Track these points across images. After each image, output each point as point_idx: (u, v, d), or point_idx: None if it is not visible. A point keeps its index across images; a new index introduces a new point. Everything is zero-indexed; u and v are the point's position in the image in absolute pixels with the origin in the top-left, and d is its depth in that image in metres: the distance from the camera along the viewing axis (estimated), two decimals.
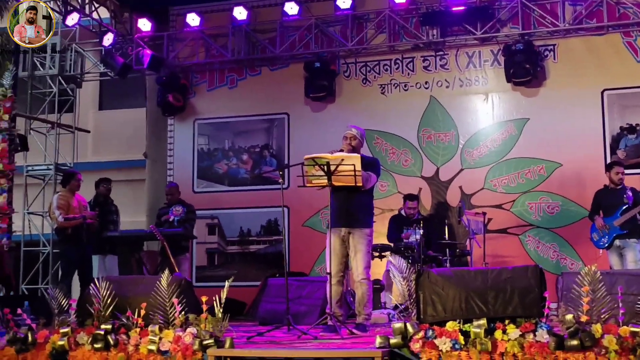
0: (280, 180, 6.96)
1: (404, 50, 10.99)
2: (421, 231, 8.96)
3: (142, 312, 5.72)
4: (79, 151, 12.45)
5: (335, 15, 11.01)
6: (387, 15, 10.78)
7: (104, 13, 11.70)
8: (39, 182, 11.97)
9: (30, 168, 11.89)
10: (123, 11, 11.92)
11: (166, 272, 5.86)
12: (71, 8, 10.86)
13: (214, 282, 10.61)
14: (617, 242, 8.48)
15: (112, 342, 5.67)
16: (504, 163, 10.36)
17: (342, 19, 11.03)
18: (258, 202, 11.12)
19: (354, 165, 6.59)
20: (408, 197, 9.69)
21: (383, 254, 9.09)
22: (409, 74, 10.92)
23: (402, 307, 6.32)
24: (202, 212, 10.74)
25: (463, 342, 5.01)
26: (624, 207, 8.46)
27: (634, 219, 8.42)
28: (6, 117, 10.09)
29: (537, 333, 4.91)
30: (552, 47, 10.42)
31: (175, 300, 5.65)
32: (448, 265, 9.10)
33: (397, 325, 5.23)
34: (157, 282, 5.75)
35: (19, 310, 6.18)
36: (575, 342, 4.77)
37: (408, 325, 5.19)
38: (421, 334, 5.12)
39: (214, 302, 5.56)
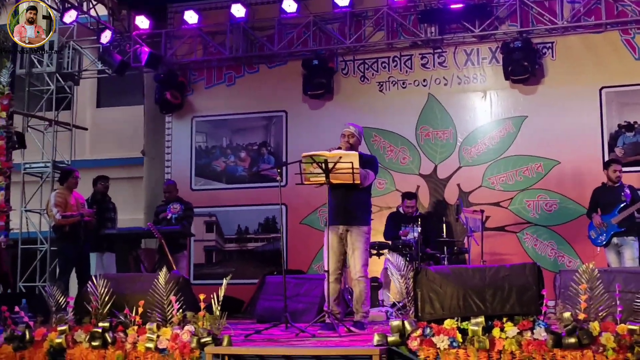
0: (278, 178, 6.94)
1: (402, 47, 10.99)
2: (419, 229, 8.95)
3: (140, 309, 5.72)
4: (77, 149, 12.47)
5: (334, 12, 11.00)
6: (385, 12, 10.77)
7: (101, 10, 11.68)
8: (37, 180, 11.98)
9: (27, 166, 11.90)
10: (121, 8, 11.90)
11: (164, 269, 5.86)
12: (69, 5, 10.85)
13: (212, 279, 10.62)
14: (614, 239, 8.49)
15: (109, 339, 5.66)
16: (502, 161, 10.35)
17: (340, 17, 11.02)
18: (256, 200, 11.11)
19: (352, 162, 6.59)
20: (406, 196, 9.69)
21: (381, 251, 9.09)
22: (407, 71, 10.92)
23: (400, 304, 6.34)
24: (200, 210, 10.73)
25: (461, 340, 5.01)
26: (622, 205, 8.47)
27: (632, 216, 8.43)
28: (3, 114, 10.08)
29: (534, 331, 4.91)
30: (550, 44, 10.42)
31: (173, 298, 5.64)
32: (446, 263, 9.11)
33: (395, 323, 5.23)
34: (155, 280, 5.74)
35: (17, 308, 6.19)
36: (573, 340, 4.77)
37: (406, 323, 5.19)
38: (419, 331, 5.12)
39: (212, 300, 5.56)
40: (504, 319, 5.04)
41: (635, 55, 10.02)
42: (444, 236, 9.67)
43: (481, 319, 5.06)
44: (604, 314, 4.90)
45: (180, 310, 5.63)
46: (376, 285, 8.89)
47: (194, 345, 5.41)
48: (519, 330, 4.94)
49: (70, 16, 10.74)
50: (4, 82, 10.16)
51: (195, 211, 10.15)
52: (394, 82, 10.95)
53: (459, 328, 5.06)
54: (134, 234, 9.45)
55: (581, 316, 4.87)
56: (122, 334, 5.68)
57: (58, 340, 5.79)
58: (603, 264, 8.42)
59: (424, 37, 10.75)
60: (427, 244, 9.25)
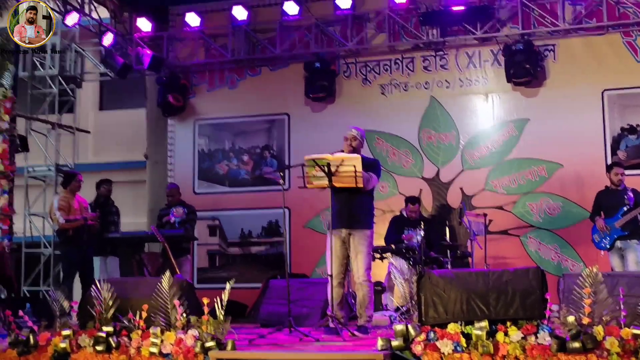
0: (281, 181, 6.96)
1: (404, 50, 10.98)
2: (422, 232, 8.94)
3: (144, 314, 5.72)
4: (80, 152, 12.48)
5: (335, 15, 10.99)
6: (387, 15, 10.78)
7: (103, 13, 11.68)
8: (40, 184, 11.98)
9: (31, 169, 11.89)
10: (123, 11, 11.91)
11: (167, 273, 5.86)
12: (71, 8, 10.83)
13: (215, 283, 10.60)
14: (618, 243, 8.48)
15: (113, 344, 5.67)
16: (505, 164, 10.35)
17: (342, 19, 11.02)
18: (259, 203, 11.11)
19: (354, 166, 6.59)
20: (410, 200, 9.67)
21: (384, 255, 9.09)
22: (409, 74, 10.92)
23: (404, 309, 6.32)
24: (202, 214, 10.73)
25: (465, 345, 5.01)
26: (625, 208, 8.46)
27: (635, 220, 8.42)
28: (6, 117, 10.09)
29: (538, 335, 4.91)
30: (552, 47, 10.41)
31: (176, 302, 5.65)
32: (449, 266, 9.09)
33: (399, 327, 5.23)
34: (159, 284, 5.75)
35: (21, 313, 6.18)
36: (577, 345, 4.77)
37: (410, 327, 5.19)
38: (423, 336, 5.12)
39: (216, 304, 5.56)
40: (508, 323, 5.04)
41: (637, 58, 10.01)
42: (447, 240, 9.67)
43: (485, 323, 5.06)
44: (608, 318, 4.90)
45: (184, 315, 5.63)
46: (380, 289, 8.89)
47: (197, 349, 5.41)
48: (522, 335, 4.94)
49: (72, 19, 10.73)
50: (6, 85, 10.19)
51: (198, 215, 10.14)
52: (396, 85, 10.95)
53: (462, 332, 5.06)
54: (137, 238, 9.47)
55: (585, 320, 4.87)
56: (126, 339, 5.69)
57: (62, 345, 5.80)
58: (607, 267, 8.41)
59: (426, 39, 10.75)
60: (431, 247, 9.24)
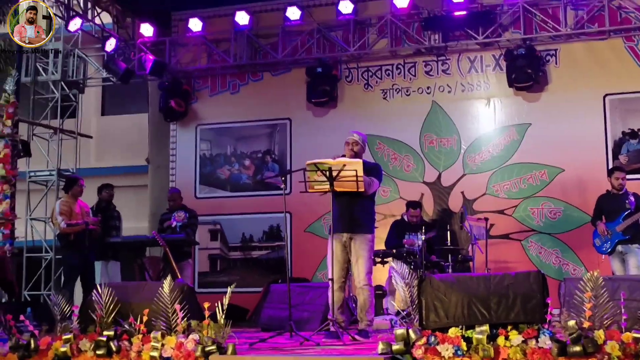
0: (282, 186, 6.96)
1: (406, 55, 11.00)
2: (423, 237, 8.94)
3: (145, 318, 5.71)
4: (82, 157, 12.49)
5: (337, 20, 11.02)
6: (388, 20, 10.79)
7: (106, 18, 11.72)
8: (42, 188, 12.00)
9: (32, 174, 11.91)
10: (125, 16, 11.95)
11: (168, 278, 5.86)
12: (74, 13, 10.89)
13: (216, 288, 10.60)
14: (619, 247, 8.48)
15: (114, 348, 5.66)
16: (506, 168, 10.35)
17: (344, 24, 11.04)
18: (260, 208, 11.11)
19: (356, 170, 6.59)
20: (411, 205, 9.68)
21: (385, 259, 9.08)
22: (410, 79, 10.93)
23: (405, 313, 6.32)
24: (204, 218, 10.75)
25: (465, 349, 4.99)
26: (627, 213, 8.46)
27: (636, 224, 8.40)
28: (9, 122, 10.10)
29: (539, 339, 4.90)
30: (553, 51, 10.42)
31: (177, 306, 5.64)
32: (450, 271, 9.08)
33: (400, 331, 5.22)
34: (160, 288, 5.74)
35: (22, 317, 6.18)
36: (577, 348, 4.76)
37: (410, 331, 5.18)
38: (423, 340, 5.11)
39: (217, 308, 5.56)
40: (509, 327, 5.03)
41: (639, 62, 10.01)
42: (449, 244, 9.66)
43: (486, 327, 5.05)
44: (609, 322, 4.88)
45: (185, 319, 5.62)
46: (381, 293, 8.89)
47: (198, 353, 5.40)
48: (523, 339, 4.92)
49: (75, 24, 10.78)
50: (9, 90, 10.19)
51: (200, 219, 10.15)
52: (397, 90, 10.95)
53: (463, 336, 5.05)
54: (138, 242, 9.47)
55: (586, 324, 4.86)
56: (126, 343, 5.68)
57: (63, 349, 5.79)
58: (608, 271, 8.40)
59: (428, 44, 10.76)
60: (432, 252, 9.24)
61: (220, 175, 11.57)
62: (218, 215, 11.37)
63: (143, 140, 12.87)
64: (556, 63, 10.39)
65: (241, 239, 11.28)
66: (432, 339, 5.09)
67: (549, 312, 5.05)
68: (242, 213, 11.29)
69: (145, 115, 12.88)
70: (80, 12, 11.06)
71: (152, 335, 5.61)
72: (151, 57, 11.36)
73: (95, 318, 5.89)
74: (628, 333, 4.77)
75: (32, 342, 5.95)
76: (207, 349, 5.40)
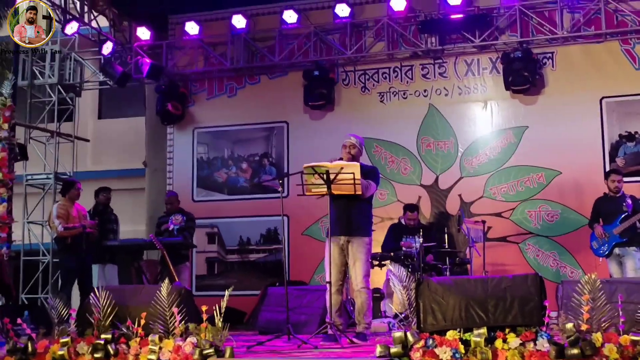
0: (280, 189, 6.96)
1: (403, 58, 11.01)
2: (421, 240, 8.95)
3: (142, 321, 5.70)
4: (79, 160, 12.45)
5: (334, 23, 11.03)
6: (385, 23, 10.81)
7: (103, 22, 11.73)
8: (39, 191, 11.97)
9: (29, 177, 11.89)
10: (122, 20, 11.96)
11: (166, 281, 5.84)
12: (70, 17, 10.89)
13: (214, 291, 10.61)
14: (616, 250, 8.49)
15: (112, 351, 5.65)
16: (503, 171, 10.36)
17: (341, 27, 11.06)
18: (257, 211, 11.12)
19: (353, 173, 6.60)
20: (408, 208, 9.67)
21: (383, 262, 9.08)
22: (407, 82, 10.94)
23: (402, 316, 6.31)
24: (201, 221, 10.74)
25: (463, 351, 4.99)
26: (624, 215, 8.47)
27: (634, 227, 8.42)
28: (5, 126, 10.07)
29: (537, 342, 4.89)
30: (550, 54, 10.44)
31: (175, 309, 5.63)
32: (448, 273, 9.09)
33: (397, 334, 5.21)
34: (157, 292, 5.72)
35: (19, 320, 6.16)
36: (575, 351, 4.76)
37: (408, 334, 5.18)
38: (421, 343, 5.10)
39: (214, 311, 5.55)
40: (507, 330, 5.02)
41: (636, 65, 10.05)
42: (446, 247, 9.66)
43: (483, 330, 5.04)
44: (607, 325, 4.88)
45: (183, 322, 5.61)
46: (378, 296, 8.88)
47: (196, 357, 5.39)
48: (521, 341, 4.92)
49: (71, 28, 10.78)
50: (5, 94, 10.17)
51: (197, 222, 10.15)
52: (394, 93, 10.97)
53: (461, 339, 5.04)
54: (135, 246, 9.46)
55: (584, 327, 4.86)
56: (124, 346, 5.67)
57: (60, 352, 5.77)
58: (605, 274, 8.41)
59: (425, 47, 10.78)
60: (428, 251, 9.23)
61: (217, 179, 11.57)
62: (215, 218, 11.37)
63: (140, 143, 12.87)
64: (553, 66, 10.41)
65: (239, 242, 11.28)
66: (430, 341, 5.08)
67: (546, 315, 5.05)
68: (239, 216, 11.29)
69: (142, 118, 12.88)
70: (77, 16, 11.06)
71: (149, 338, 5.59)
72: (148, 60, 11.36)
73: (92, 321, 5.87)
74: (626, 335, 4.77)
75: (29, 345, 5.93)
76: (205, 352, 5.40)
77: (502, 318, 5.16)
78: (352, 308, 7.63)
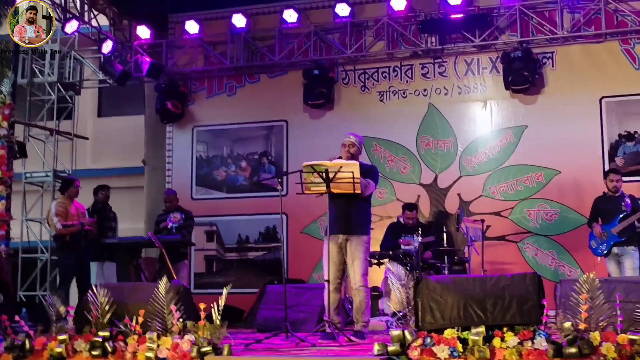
0: (279, 187, 6.95)
1: (403, 57, 11.01)
2: (419, 238, 8.95)
3: (140, 319, 5.70)
4: (78, 158, 12.46)
5: (334, 22, 11.03)
6: (385, 22, 10.80)
7: (103, 20, 11.72)
8: (38, 189, 11.98)
9: (28, 175, 11.90)
10: (122, 18, 11.95)
11: (164, 278, 5.85)
12: (70, 15, 10.88)
13: (212, 288, 10.59)
14: (615, 249, 8.49)
15: (109, 349, 5.65)
16: (503, 170, 10.36)
17: (341, 27, 11.05)
18: (256, 209, 11.12)
19: (352, 172, 6.59)
20: (407, 207, 9.68)
21: (381, 261, 9.09)
22: (407, 81, 10.94)
23: (401, 314, 6.31)
24: (200, 219, 10.73)
25: (461, 350, 4.99)
26: (622, 215, 8.47)
27: (632, 226, 8.42)
28: (5, 124, 10.06)
29: (535, 340, 4.90)
30: (550, 54, 10.44)
31: (173, 307, 5.63)
32: (446, 272, 9.09)
33: (395, 332, 5.21)
34: (155, 289, 5.72)
35: (17, 317, 6.16)
36: (573, 350, 4.76)
37: (406, 332, 5.18)
38: (419, 341, 5.10)
39: (212, 309, 5.55)
40: (505, 329, 5.03)
41: (635, 65, 10.04)
42: (445, 246, 9.66)
43: (482, 329, 5.04)
44: (605, 324, 4.88)
45: (181, 320, 5.61)
46: (377, 294, 8.88)
47: (194, 354, 5.39)
48: (519, 340, 4.92)
49: (71, 26, 10.77)
50: (5, 92, 10.17)
51: (196, 220, 10.16)
52: (394, 92, 10.97)
53: (459, 338, 5.05)
54: (134, 244, 9.45)
55: (582, 326, 4.86)
56: (122, 343, 5.67)
57: (58, 350, 5.77)
58: (604, 273, 8.40)
59: (425, 47, 10.78)
60: (427, 247, 9.23)
61: (216, 177, 11.57)
62: (214, 216, 11.37)
63: (139, 141, 12.87)
64: (553, 66, 10.41)
65: (237, 240, 11.28)
66: (428, 340, 5.08)
67: (544, 314, 5.06)
68: (238, 214, 11.29)
69: (141, 117, 12.88)
70: (77, 15, 11.05)
71: (147, 335, 5.59)
72: (148, 59, 11.35)
73: (90, 319, 5.87)
74: (624, 335, 4.77)
75: (27, 342, 5.93)
76: (203, 349, 5.39)
77: (501, 317, 5.16)
78: (350, 306, 7.64)
